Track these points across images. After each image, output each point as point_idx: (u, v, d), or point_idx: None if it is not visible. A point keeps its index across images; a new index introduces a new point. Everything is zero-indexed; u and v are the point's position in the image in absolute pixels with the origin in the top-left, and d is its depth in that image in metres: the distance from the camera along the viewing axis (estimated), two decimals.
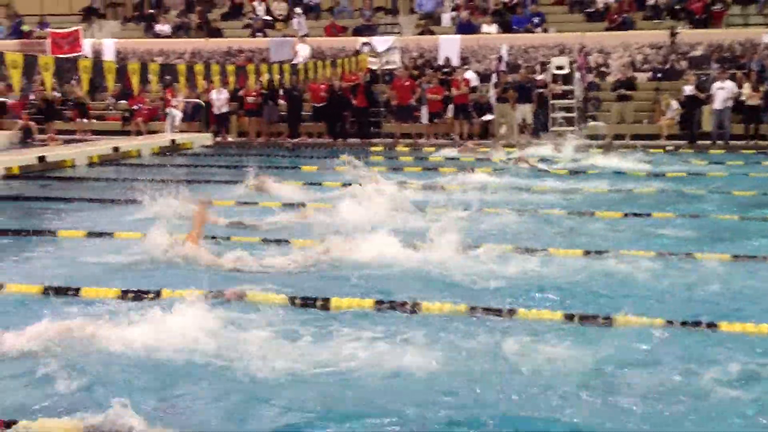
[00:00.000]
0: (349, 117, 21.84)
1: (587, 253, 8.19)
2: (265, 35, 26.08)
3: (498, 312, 6.16)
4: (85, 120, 22.80)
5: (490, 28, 24.82)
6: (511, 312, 6.16)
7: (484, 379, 4.94)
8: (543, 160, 16.58)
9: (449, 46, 24.08)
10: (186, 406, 4.65)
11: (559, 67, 21.60)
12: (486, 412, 4.51)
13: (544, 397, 4.68)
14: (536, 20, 24.91)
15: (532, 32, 24.57)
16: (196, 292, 6.14)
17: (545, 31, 24.66)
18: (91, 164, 16.56)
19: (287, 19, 27.18)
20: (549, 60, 22.28)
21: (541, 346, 5.44)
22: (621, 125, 20.62)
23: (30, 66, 14.18)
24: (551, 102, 21.17)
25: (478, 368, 5.11)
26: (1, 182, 14.02)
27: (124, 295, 6.59)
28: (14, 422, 4.23)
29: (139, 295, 6.54)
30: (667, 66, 22.72)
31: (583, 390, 4.77)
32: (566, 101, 21.22)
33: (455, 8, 26.10)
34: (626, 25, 24.24)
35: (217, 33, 26.80)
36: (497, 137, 20.62)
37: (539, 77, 21.72)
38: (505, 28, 25.00)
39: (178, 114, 22.24)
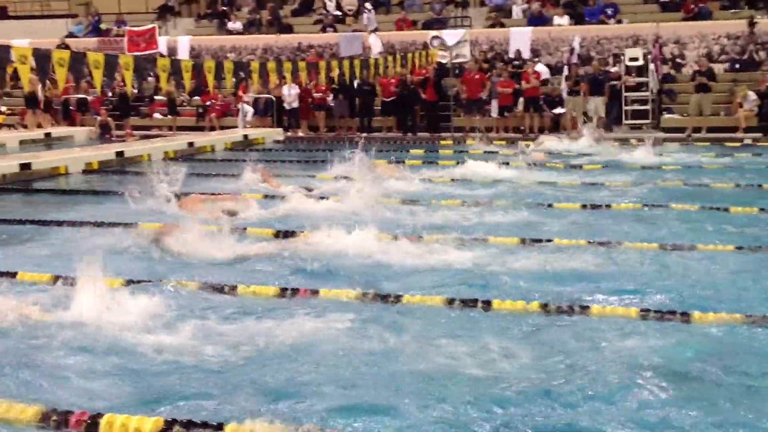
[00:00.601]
0: (419, 111, 21.86)
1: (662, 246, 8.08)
2: (335, 30, 26.26)
3: (567, 310, 6.10)
4: (174, 117, 23.18)
5: (561, 20, 24.51)
6: (584, 308, 6.10)
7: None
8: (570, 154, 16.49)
9: (520, 38, 23.87)
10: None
11: (633, 59, 21.18)
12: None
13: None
14: (610, 11, 24.49)
15: (606, 23, 24.16)
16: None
17: (619, 22, 24.22)
18: (166, 159, 16.94)
19: (357, 14, 27.32)
20: (622, 51, 21.88)
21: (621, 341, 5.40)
22: (696, 118, 20.12)
23: (111, 64, 14.59)
24: (625, 94, 20.80)
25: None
26: (81, 176, 14.43)
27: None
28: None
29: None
30: (745, 56, 22.08)
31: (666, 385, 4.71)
32: (640, 94, 20.81)
33: (528, 1, 25.84)
34: (703, 15, 23.63)
35: (287, 29, 27.09)
36: (568, 131, 20.38)
37: (612, 69, 21.36)
38: (578, 19, 24.65)
39: (250, 109, 22.60)
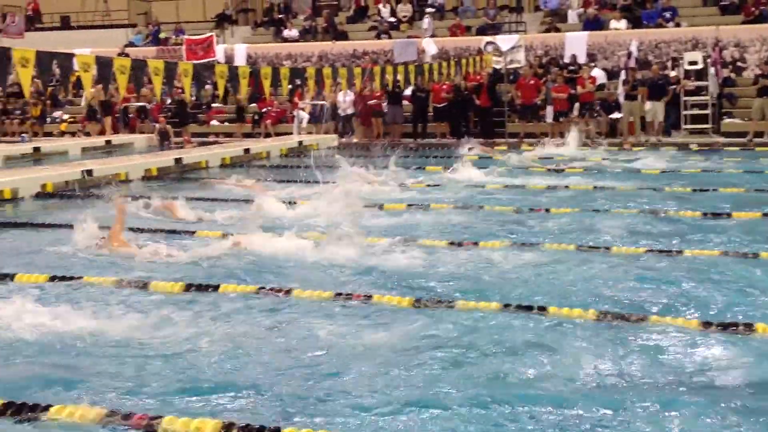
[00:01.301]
0: (473, 117, 21.80)
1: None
2: (389, 37, 26.35)
3: (627, 317, 6.03)
4: (241, 123, 23.44)
5: (618, 24, 24.22)
6: (642, 319, 6.02)
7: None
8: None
9: (576, 43, 23.63)
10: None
11: (692, 63, 20.84)
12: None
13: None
14: (668, 14, 24.10)
15: (664, 27, 23.79)
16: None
17: (677, 25, 23.81)
18: (223, 165, 17.18)
19: (411, 20, 27.38)
20: (681, 55, 21.53)
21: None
22: (759, 122, 19.68)
23: (170, 71, 14.87)
24: (683, 99, 20.45)
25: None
26: (140, 183, 14.72)
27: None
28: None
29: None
30: None
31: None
32: (700, 98, 20.45)
33: (584, 4, 25.61)
34: (764, 18, 23.10)
35: (343, 36, 27.28)
36: (625, 136, 20.13)
37: (671, 73, 21.03)
38: (635, 23, 24.33)
39: (305, 116, 22.80)
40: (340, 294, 6.67)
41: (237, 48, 26.84)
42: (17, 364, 5.33)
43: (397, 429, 4.31)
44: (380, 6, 27.91)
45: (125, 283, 7.19)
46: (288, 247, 8.22)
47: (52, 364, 5.31)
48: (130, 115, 24.05)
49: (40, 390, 4.86)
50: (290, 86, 20.63)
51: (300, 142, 20.39)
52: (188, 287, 6.99)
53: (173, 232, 9.45)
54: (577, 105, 20.82)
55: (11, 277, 7.40)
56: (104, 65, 13.90)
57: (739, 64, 22.36)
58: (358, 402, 4.62)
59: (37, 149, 19.82)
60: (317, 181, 11.45)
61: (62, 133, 24.27)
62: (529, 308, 6.20)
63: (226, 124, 24.40)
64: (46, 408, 4.46)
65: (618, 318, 5.96)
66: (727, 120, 20.35)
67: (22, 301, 6.26)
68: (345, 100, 22.09)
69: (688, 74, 20.72)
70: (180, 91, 21.74)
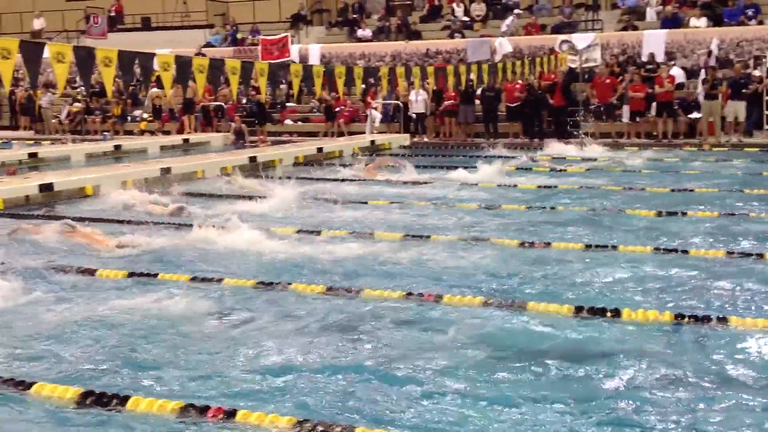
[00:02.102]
0: (546, 116, 21.56)
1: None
2: (463, 36, 26.26)
3: (701, 319, 5.89)
4: (330, 123, 23.61)
5: (698, 22, 23.63)
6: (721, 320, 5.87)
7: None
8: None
9: (654, 41, 23.15)
10: None
11: None
12: None
13: None
14: (750, 12, 23.42)
15: (746, 25, 23.11)
16: None
17: (760, 23, 23.12)
18: (296, 164, 17.38)
19: (485, 19, 27.23)
20: (764, 54, 20.88)
21: None
22: None
23: (247, 72, 15.11)
24: (766, 98, 19.82)
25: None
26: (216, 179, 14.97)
27: None
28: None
29: None
30: None
31: None
32: None
33: (663, 2, 25.07)
34: None
35: (416, 35, 27.29)
36: (704, 136, 19.63)
37: (755, 73, 20.41)
38: (716, 21, 23.70)
39: (378, 115, 22.89)
40: (411, 294, 6.67)
41: (311, 48, 27.13)
42: (97, 351, 5.49)
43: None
44: (454, 5, 27.84)
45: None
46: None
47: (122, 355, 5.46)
48: (211, 115, 24.49)
49: (114, 381, 5.00)
50: (363, 86, 20.73)
51: (372, 141, 20.49)
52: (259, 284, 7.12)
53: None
54: (654, 104, 20.38)
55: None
56: (183, 65, 14.20)
57: None
58: (438, 401, 4.64)
59: (117, 147, 20.40)
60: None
61: (142, 132, 24.92)
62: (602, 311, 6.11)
63: (300, 123, 24.66)
64: (125, 399, 4.59)
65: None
66: None
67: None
68: (417, 99, 22.10)
69: None
70: (255, 93, 22.10)
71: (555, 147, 19.10)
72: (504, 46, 23.88)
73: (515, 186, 13.40)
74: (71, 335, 5.84)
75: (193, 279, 7.34)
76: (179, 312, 6.31)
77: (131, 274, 7.49)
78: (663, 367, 5.05)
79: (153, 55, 13.78)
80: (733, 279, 7.10)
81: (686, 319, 5.89)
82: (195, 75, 14.26)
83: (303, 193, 11.86)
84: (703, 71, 20.99)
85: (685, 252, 8.11)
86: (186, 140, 21.97)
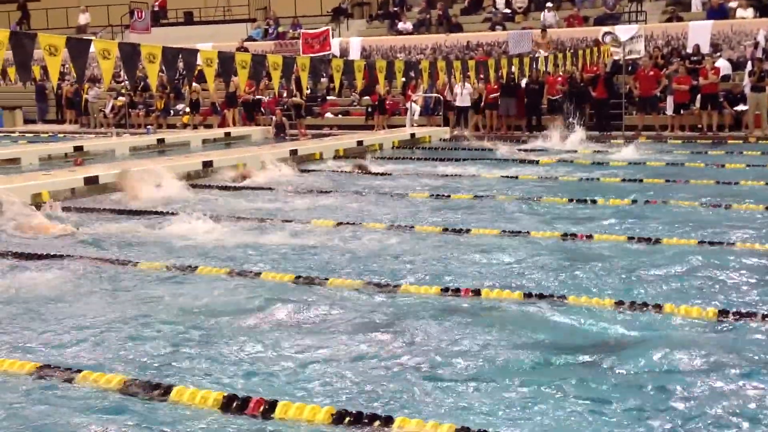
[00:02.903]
0: (589, 109, 21.35)
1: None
2: (504, 29, 26.10)
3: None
4: (382, 116, 23.61)
5: (745, 12, 23.21)
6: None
7: None
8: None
9: (699, 32, 22.79)
10: None
11: None
12: None
13: None
14: None
15: None
16: None
17: None
18: (336, 157, 17.44)
19: (527, 11, 27.02)
20: None
21: None
22: None
23: (288, 66, 15.21)
24: None
25: None
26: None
27: None
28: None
29: None
30: None
31: None
32: None
33: None
34: None
35: (457, 28, 27.19)
36: (750, 129, 19.29)
37: None
38: (762, 11, 23.25)
39: (417, 108, 22.87)
40: (447, 289, 6.66)
41: (352, 41, 27.18)
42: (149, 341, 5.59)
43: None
44: None
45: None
46: None
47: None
48: (254, 110, 24.67)
49: (163, 369, 5.09)
50: (404, 79, 20.70)
51: (412, 135, 20.47)
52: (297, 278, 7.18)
53: None
54: (699, 97, 20.06)
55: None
56: (226, 60, 14.34)
57: None
58: (477, 393, 4.65)
59: (161, 140, 20.66)
60: None
61: (184, 125, 25.20)
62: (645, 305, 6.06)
63: (340, 116, 24.74)
64: (168, 389, 4.67)
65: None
66: None
67: None
68: (462, 92, 22.02)
69: None
70: (294, 93, 22.40)
71: (536, 142, 19.12)
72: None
73: None
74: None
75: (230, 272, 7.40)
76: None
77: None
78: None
79: (197, 51, 13.94)
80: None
81: (731, 316, 5.81)
82: (237, 70, 14.39)
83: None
84: (749, 63, 20.61)
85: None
86: (228, 134, 22.17)
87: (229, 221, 9.69)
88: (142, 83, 24.58)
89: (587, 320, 5.87)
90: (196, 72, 17.31)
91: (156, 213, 10.39)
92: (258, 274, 7.29)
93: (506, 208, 10.61)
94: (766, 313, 5.83)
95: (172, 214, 10.00)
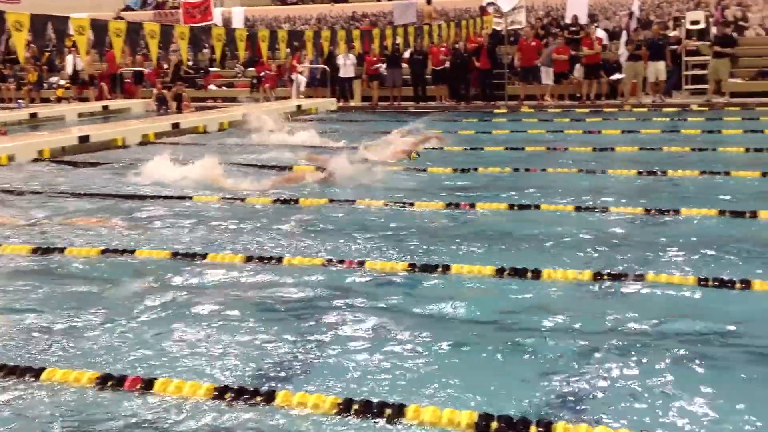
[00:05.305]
0: (472, 79, 21.62)
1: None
2: None
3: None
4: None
5: None
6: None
7: None
8: None
9: (577, 3, 23.39)
10: None
11: (694, 22, 20.61)
12: None
13: None
14: None
15: None
16: None
17: None
18: (221, 130, 17.07)
19: None
20: (683, 15, 21.28)
21: None
22: (758, 82, 19.51)
23: (166, 36, 14.73)
24: (685, 59, 20.24)
25: None
26: (138, 148, 14.61)
27: None
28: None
29: None
30: None
31: None
32: (701, 58, 20.23)
33: None
34: None
35: None
36: (626, 96, 19.96)
37: (672, 33, 20.79)
38: None
39: (303, 80, 22.62)
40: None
41: (235, 11, 26.62)
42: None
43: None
44: None
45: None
46: None
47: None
48: (126, 81, 23.86)
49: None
50: (288, 50, 20.42)
51: (299, 106, 20.25)
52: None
53: None
54: (578, 66, 20.60)
55: None
56: (100, 29, 13.77)
57: (741, 23, 22.12)
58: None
59: (33, 115, 19.70)
60: None
61: (59, 99, 24.13)
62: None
63: (224, 88, 24.23)
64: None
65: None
66: (728, 80, 20.11)
67: None
68: (344, 63, 21.88)
69: (689, 34, 20.47)
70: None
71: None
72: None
73: None
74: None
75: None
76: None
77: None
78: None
79: (67, 18, 13.32)
80: (649, 236, 7.25)
81: (605, 278, 5.97)
82: (112, 39, 13.85)
83: None
84: (624, 33, 21.30)
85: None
86: (105, 107, 21.35)
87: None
88: (11, 55, 23.37)
89: (469, 289, 5.92)
90: (71, 42, 16.59)
91: None
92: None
93: (394, 178, 10.62)
94: (638, 273, 6.02)
95: None
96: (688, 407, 4.01)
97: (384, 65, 21.91)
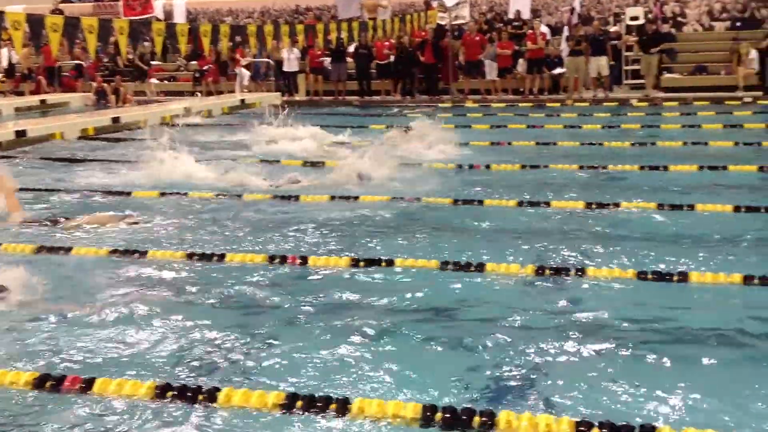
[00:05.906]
0: (418, 74, 21.66)
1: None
2: None
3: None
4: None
5: None
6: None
7: None
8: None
9: None
10: None
11: (634, 18, 20.95)
12: None
13: None
14: None
15: None
16: None
17: None
18: (163, 124, 16.80)
19: None
20: (623, 11, 21.64)
21: None
22: (696, 77, 19.95)
23: (105, 29, 14.45)
24: (625, 54, 20.58)
25: None
26: (78, 143, 14.34)
27: None
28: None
29: None
30: (746, 14, 21.83)
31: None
32: (641, 53, 20.57)
33: None
34: None
35: None
36: (569, 92, 20.22)
37: (612, 29, 21.12)
38: None
39: (246, 74, 22.40)
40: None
41: (176, 3, 26.24)
42: None
43: None
44: None
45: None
46: None
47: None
48: (64, 75, 23.34)
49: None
50: (231, 44, 20.20)
51: (242, 101, 20.06)
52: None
53: None
54: (521, 61, 20.78)
55: None
56: (36, 23, 13.45)
57: (679, 19, 22.58)
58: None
59: None
60: None
61: None
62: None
63: (166, 82, 23.88)
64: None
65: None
66: (666, 75, 20.53)
67: None
68: (288, 57, 21.74)
69: (629, 30, 20.82)
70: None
71: None
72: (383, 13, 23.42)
73: None
74: None
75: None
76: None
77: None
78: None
79: (2, 13, 12.98)
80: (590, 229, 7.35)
81: (547, 272, 6.05)
82: (49, 34, 13.54)
83: None
84: (566, 28, 21.57)
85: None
86: (43, 101, 20.85)
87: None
88: None
89: (417, 282, 5.95)
90: (6, 37, 16.22)
91: None
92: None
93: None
94: (578, 267, 6.11)
95: None
96: (624, 393, 4.10)
97: (328, 59, 21.83)
